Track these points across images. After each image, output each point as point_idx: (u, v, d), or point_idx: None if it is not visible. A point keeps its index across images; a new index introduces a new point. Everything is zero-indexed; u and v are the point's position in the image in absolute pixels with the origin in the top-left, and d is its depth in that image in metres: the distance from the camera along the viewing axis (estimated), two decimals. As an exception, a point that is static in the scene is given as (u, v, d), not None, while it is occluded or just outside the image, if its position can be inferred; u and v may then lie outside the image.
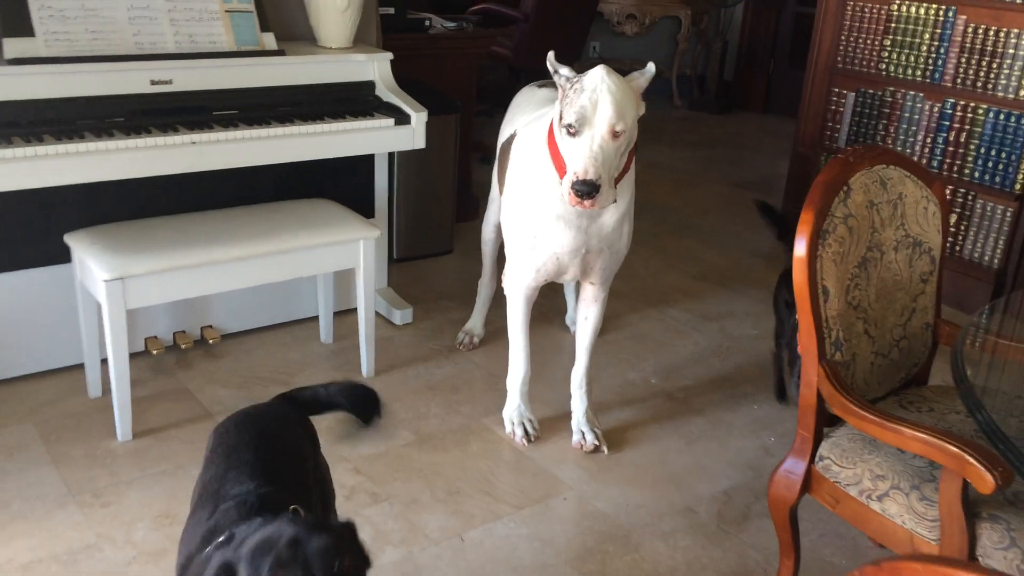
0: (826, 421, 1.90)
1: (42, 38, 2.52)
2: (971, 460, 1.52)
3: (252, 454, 1.53)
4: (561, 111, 2.20)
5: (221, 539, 1.31)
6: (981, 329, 1.97)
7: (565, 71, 2.21)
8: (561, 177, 2.25)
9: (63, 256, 2.65)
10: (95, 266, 2.41)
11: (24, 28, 2.51)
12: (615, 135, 2.15)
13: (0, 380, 2.74)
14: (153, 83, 2.64)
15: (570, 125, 2.14)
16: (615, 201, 2.32)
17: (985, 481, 1.51)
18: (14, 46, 2.48)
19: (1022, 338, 2.04)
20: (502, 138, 2.79)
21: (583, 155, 2.13)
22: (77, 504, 2.28)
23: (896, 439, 1.66)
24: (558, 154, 2.26)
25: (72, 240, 2.57)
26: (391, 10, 3.78)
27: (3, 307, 2.68)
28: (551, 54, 2.26)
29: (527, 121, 2.59)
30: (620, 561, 2.21)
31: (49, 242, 2.68)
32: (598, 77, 2.15)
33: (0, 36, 2.49)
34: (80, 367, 2.76)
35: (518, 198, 2.47)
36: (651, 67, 2.29)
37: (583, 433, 2.66)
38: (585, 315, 2.66)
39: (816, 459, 1.88)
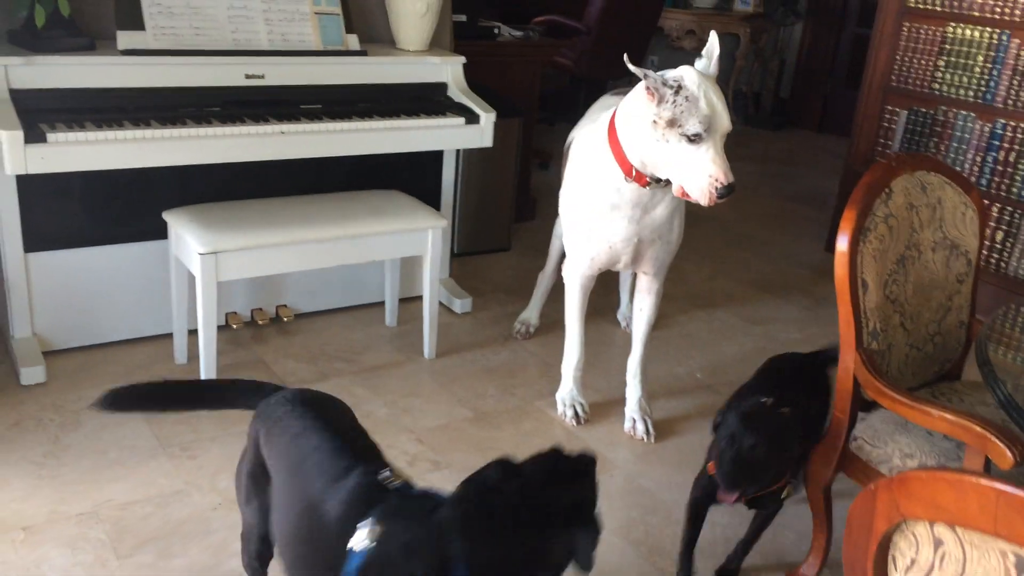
0: (860, 407, 2.04)
1: (151, 32, 2.77)
2: (992, 437, 1.65)
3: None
4: (673, 118, 2.21)
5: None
6: (1007, 319, 2.09)
7: (654, 73, 2.23)
8: (625, 172, 2.42)
9: (157, 233, 2.89)
10: (192, 240, 2.64)
11: (136, 22, 2.76)
12: (723, 136, 2.26)
13: (98, 344, 3.00)
14: (247, 76, 2.88)
15: (697, 135, 2.20)
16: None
17: (1005, 457, 1.64)
18: (126, 38, 2.73)
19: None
20: (569, 140, 2.95)
21: (717, 161, 2.21)
22: (167, 455, 2.50)
23: (924, 419, 1.80)
24: (620, 150, 2.42)
25: (170, 216, 2.80)
26: (463, 17, 4.00)
27: (103, 277, 2.93)
28: (625, 56, 2.34)
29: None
30: (663, 532, 2.37)
31: (145, 220, 2.92)
32: (700, 82, 2.20)
33: (115, 29, 2.74)
34: (169, 336, 3.00)
35: (576, 191, 2.65)
36: (714, 38, 2.29)
37: (635, 421, 2.82)
38: (640, 306, 2.82)
39: (850, 439, 2.03)
